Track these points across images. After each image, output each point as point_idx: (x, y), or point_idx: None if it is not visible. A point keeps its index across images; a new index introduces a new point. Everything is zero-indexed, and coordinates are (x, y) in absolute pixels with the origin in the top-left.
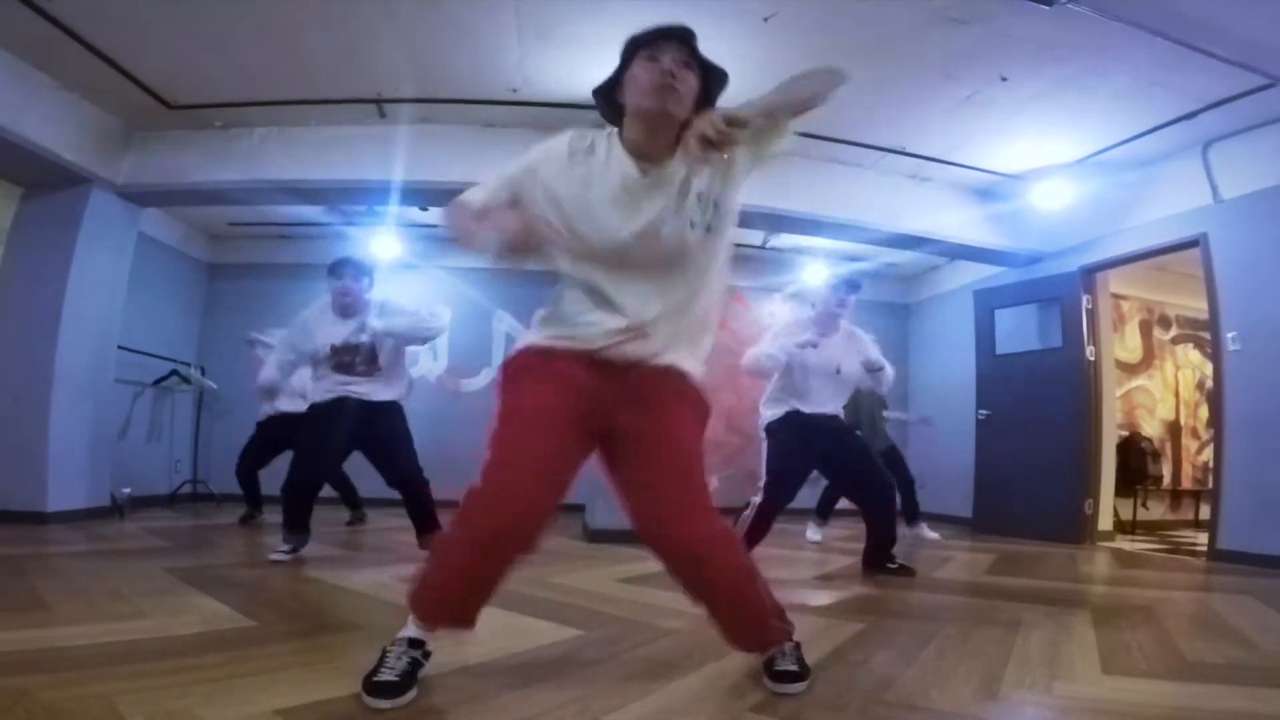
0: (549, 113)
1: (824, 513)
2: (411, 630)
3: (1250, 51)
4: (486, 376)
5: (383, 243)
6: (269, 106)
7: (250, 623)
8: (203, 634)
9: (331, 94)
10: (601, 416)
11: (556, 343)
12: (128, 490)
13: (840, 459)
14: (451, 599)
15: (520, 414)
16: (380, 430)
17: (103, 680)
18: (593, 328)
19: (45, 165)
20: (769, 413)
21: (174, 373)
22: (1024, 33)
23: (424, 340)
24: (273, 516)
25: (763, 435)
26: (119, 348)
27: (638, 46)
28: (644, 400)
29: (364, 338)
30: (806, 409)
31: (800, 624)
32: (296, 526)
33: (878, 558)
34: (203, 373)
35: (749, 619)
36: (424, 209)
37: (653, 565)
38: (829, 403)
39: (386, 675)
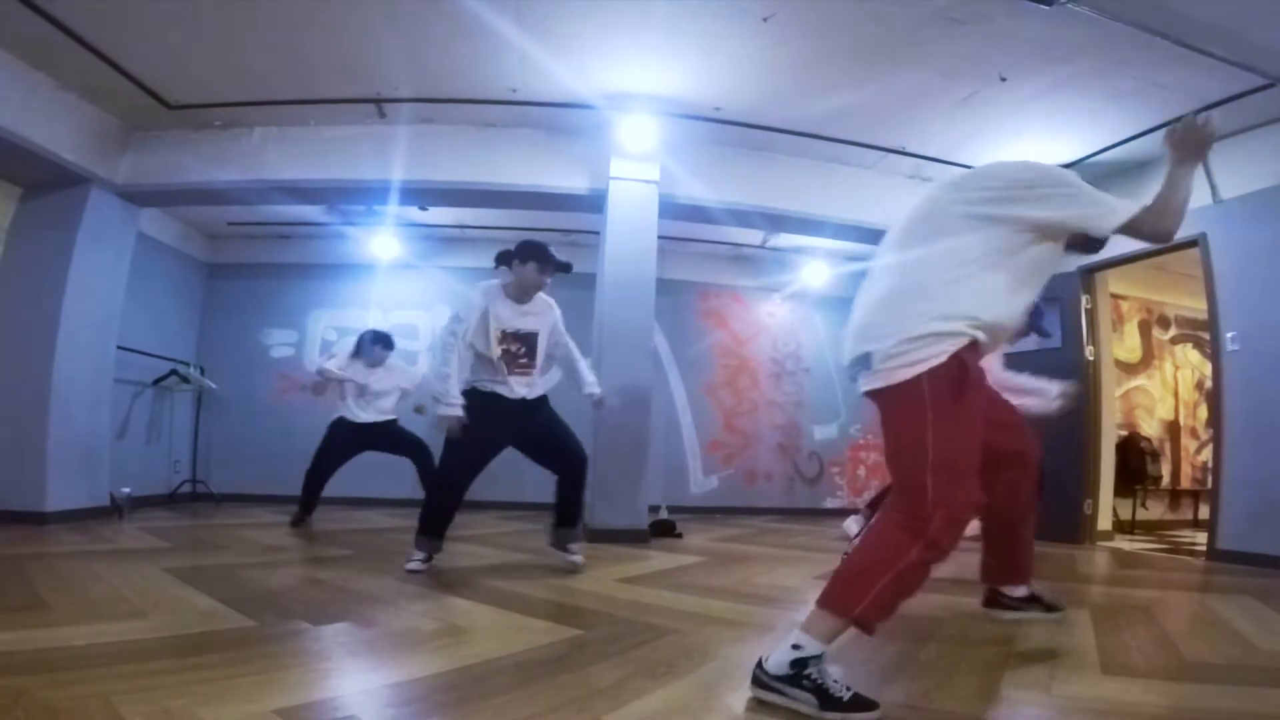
0: (549, 113)
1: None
2: (813, 647)
3: (1250, 51)
4: (556, 374)
5: (382, 243)
6: (269, 106)
7: (250, 623)
8: (203, 634)
9: (331, 94)
10: None
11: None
12: (127, 490)
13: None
14: (895, 608)
15: (972, 421)
16: (540, 421)
17: (102, 680)
18: None
19: (44, 165)
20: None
21: (173, 372)
22: (1024, 33)
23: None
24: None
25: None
26: (118, 347)
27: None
28: None
29: (534, 326)
30: None
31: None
32: (435, 532)
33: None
34: (202, 372)
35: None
36: (423, 209)
37: (653, 565)
38: None
39: (845, 693)
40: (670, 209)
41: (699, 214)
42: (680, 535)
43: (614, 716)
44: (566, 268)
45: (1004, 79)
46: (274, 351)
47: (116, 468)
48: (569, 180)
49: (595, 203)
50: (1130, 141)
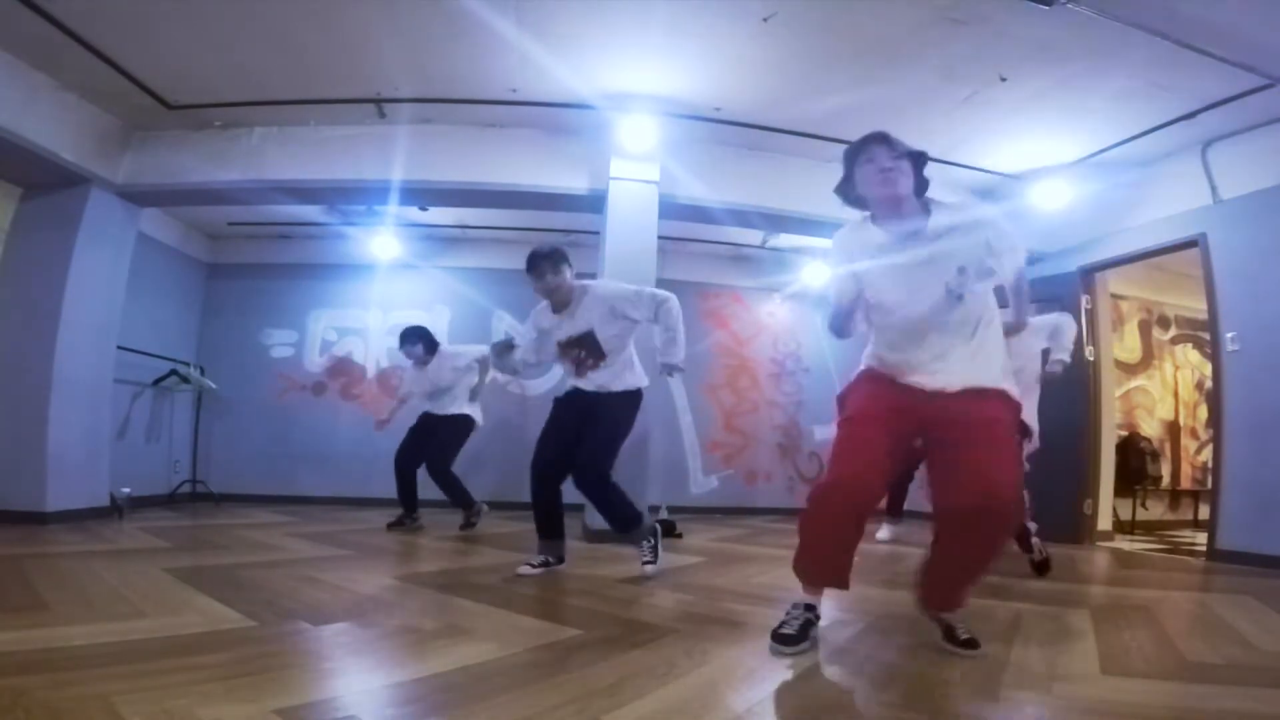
0: (549, 113)
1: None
2: (804, 595)
3: (1250, 51)
4: (549, 380)
5: (382, 243)
6: (269, 106)
7: (250, 623)
8: (203, 634)
9: (331, 94)
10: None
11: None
12: (127, 490)
13: None
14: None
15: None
16: (594, 414)
17: (102, 680)
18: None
19: (44, 165)
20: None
21: (173, 372)
22: (1024, 33)
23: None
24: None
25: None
26: (118, 347)
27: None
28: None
29: (582, 328)
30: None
31: None
32: (541, 533)
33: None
34: (202, 372)
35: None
36: (423, 209)
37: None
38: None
39: (786, 629)
40: (670, 209)
41: (699, 214)
42: (680, 535)
43: (614, 716)
44: (529, 264)
45: (1004, 79)
46: (274, 351)
47: (116, 468)
48: (569, 180)
49: (595, 203)
50: (1130, 142)
